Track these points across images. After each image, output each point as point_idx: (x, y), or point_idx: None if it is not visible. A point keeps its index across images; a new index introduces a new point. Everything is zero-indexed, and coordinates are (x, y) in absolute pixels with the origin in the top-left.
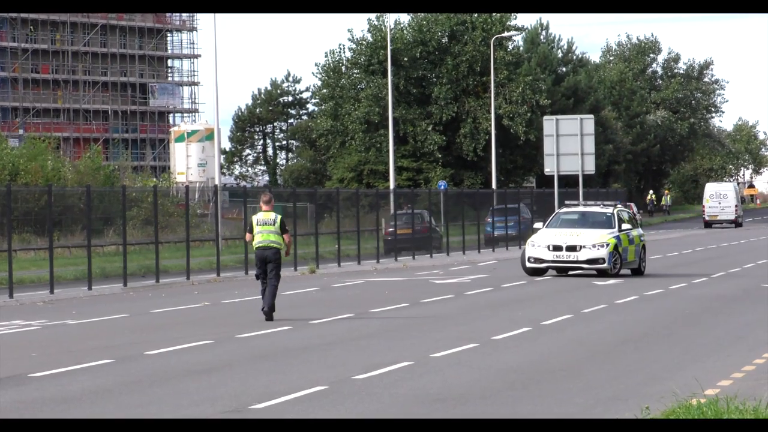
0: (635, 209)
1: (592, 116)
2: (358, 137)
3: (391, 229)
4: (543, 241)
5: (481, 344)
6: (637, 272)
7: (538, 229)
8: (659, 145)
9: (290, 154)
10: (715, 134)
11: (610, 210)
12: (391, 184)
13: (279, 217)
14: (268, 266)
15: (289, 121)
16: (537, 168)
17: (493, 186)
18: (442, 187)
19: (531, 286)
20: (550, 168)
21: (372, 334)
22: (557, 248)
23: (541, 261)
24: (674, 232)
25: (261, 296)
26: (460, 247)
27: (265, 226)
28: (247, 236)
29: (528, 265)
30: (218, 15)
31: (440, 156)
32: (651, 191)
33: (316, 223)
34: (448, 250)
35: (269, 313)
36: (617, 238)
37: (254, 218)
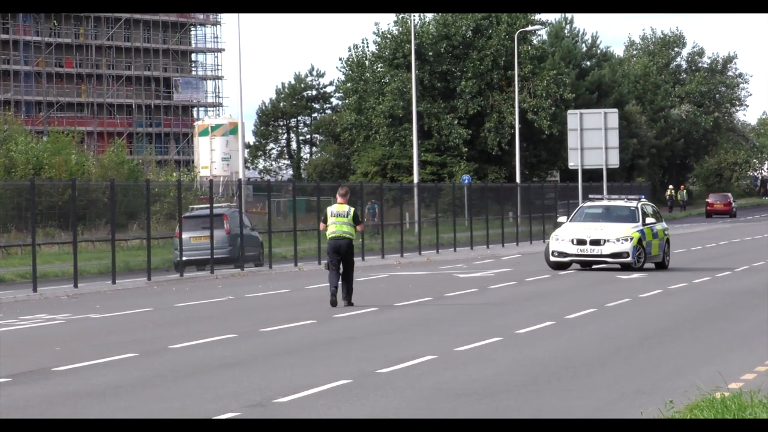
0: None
1: (616, 110)
2: (382, 131)
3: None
4: (567, 235)
5: (504, 338)
6: (661, 266)
7: (562, 223)
8: (683, 139)
9: (314, 148)
10: (739, 128)
11: (634, 204)
12: (415, 178)
13: (352, 209)
14: (341, 257)
15: (313, 115)
16: (561, 162)
17: (517, 180)
18: (466, 182)
19: (555, 280)
20: (574, 162)
21: (396, 328)
22: (581, 242)
23: (565, 255)
24: (698, 225)
25: (328, 282)
26: (484, 241)
27: (339, 218)
28: (321, 226)
29: (552, 259)
30: None
31: (464, 150)
32: (671, 186)
33: None
34: (472, 245)
35: (348, 302)
36: (641, 232)
37: (329, 209)
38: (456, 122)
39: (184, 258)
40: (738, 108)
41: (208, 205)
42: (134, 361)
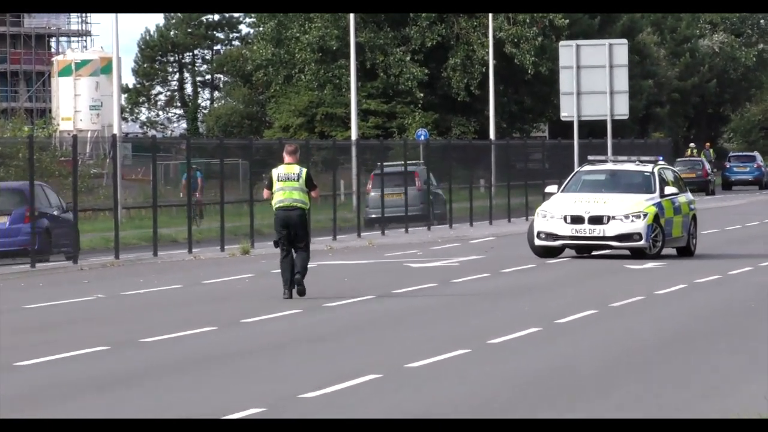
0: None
1: (625, 41)
2: (310, 70)
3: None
4: (558, 211)
5: (474, 349)
6: (686, 252)
7: (551, 194)
8: (716, 80)
9: (216, 93)
10: None
11: (648, 168)
12: (353, 134)
13: (305, 170)
14: (292, 231)
15: (216, 48)
16: (550, 112)
17: (491, 136)
18: (423, 138)
19: (541, 271)
20: (567, 112)
21: (325, 335)
22: (577, 220)
23: (556, 237)
24: (736, 198)
25: (281, 270)
26: (446, 218)
27: (287, 182)
28: (265, 193)
29: (537, 242)
30: None
31: (420, 95)
32: (692, 144)
33: (251, 187)
34: (430, 223)
35: (300, 290)
36: (658, 206)
37: (274, 172)
38: (409, 58)
39: (374, 216)
40: None
41: (399, 163)
42: None
